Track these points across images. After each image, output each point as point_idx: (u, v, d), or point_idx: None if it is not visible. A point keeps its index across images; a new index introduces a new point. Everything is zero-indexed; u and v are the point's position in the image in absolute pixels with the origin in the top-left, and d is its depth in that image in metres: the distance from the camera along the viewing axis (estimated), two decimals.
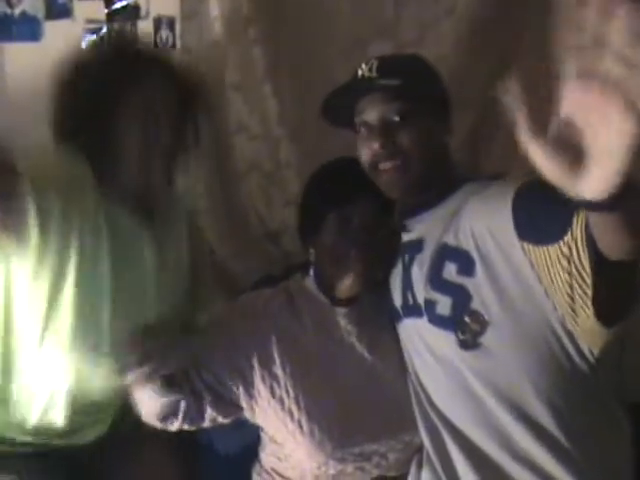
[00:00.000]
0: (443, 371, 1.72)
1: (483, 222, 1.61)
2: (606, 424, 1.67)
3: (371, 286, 1.90)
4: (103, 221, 1.80)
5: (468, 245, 1.63)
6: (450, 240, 1.69)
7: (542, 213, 1.43)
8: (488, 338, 1.63)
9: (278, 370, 1.86)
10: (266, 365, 1.87)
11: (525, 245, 1.51)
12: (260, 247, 3.08)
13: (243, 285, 2.96)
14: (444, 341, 1.70)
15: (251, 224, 3.09)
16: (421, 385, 1.79)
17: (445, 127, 1.83)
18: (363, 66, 1.80)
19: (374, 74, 1.75)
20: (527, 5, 2.66)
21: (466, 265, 1.64)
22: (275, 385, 1.85)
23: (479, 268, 1.61)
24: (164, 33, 3.12)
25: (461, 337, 1.67)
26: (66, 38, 3.15)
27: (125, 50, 1.96)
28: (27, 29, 3.23)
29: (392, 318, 1.91)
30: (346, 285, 1.87)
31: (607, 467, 1.62)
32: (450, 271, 1.68)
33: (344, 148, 1.93)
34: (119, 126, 1.81)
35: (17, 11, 3.23)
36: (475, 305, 1.64)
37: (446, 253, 1.70)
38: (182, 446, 2.22)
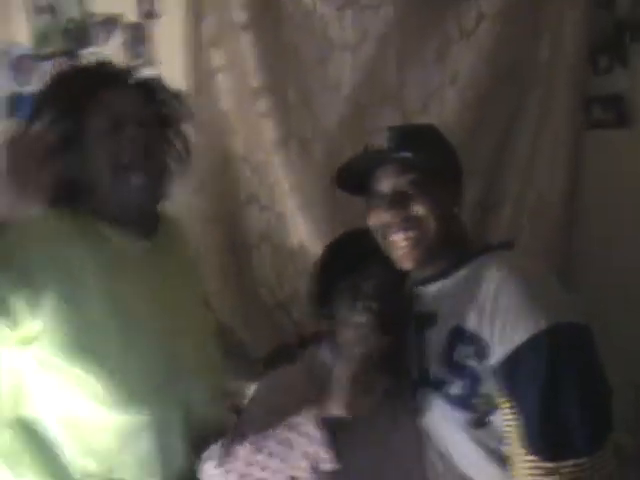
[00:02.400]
0: (457, 443, 1.72)
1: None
2: None
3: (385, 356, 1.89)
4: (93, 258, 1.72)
5: (487, 335, 1.63)
6: (466, 324, 1.69)
7: None
8: (498, 416, 1.64)
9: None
10: None
11: None
12: (271, 317, 3.08)
13: (255, 355, 2.96)
14: (456, 418, 1.70)
15: (262, 294, 3.09)
16: (440, 454, 1.78)
17: (457, 198, 1.84)
18: (377, 137, 1.81)
19: (387, 145, 1.76)
20: (534, 69, 2.72)
21: (481, 350, 1.64)
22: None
23: (493, 357, 1.62)
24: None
25: (471, 416, 1.67)
26: None
27: (88, 66, 1.91)
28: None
29: (410, 387, 1.89)
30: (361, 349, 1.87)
31: None
32: (463, 354, 1.68)
33: (354, 219, 1.95)
34: (88, 142, 1.75)
35: (30, 89, 3.29)
36: (485, 389, 1.64)
37: (460, 336, 1.69)
38: None
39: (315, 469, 1.67)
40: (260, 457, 1.74)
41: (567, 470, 1.52)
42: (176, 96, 1.97)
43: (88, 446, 1.75)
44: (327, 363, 1.93)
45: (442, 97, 2.79)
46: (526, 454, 1.56)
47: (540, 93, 2.75)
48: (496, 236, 2.66)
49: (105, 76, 1.82)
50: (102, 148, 1.73)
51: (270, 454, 1.72)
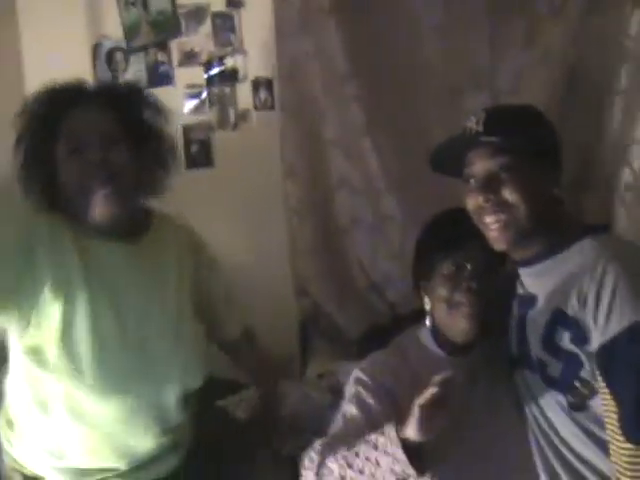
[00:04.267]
0: (558, 425, 1.72)
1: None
2: None
3: (485, 333, 1.90)
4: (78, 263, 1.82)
5: (588, 320, 1.61)
6: (568, 308, 1.67)
7: None
8: (596, 401, 1.63)
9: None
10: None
11: None
12: (365, 299, 3.11)
13: (350, 335, 3.00)
14: (554, 399, 1.71)
15: (355, 277, 3.12)
16: (542, 432, 1.79)
17: (555, 179, 1.79)
18: (472, 118, 1.78)
19: (480, 128, 1.74)
20: (623, 43, 2.68)
21: (582, 335, 1.62)
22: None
23: (593, 342, 1.60)
24: (262, 94, 3.21)
25: (570, 400, 1.67)
26: (168, 104, 3.27)
27: (59, 88, 1.90)
28: None
29: (509, 367, 1.90)
30: (461, 331, 1.88)
31: None
32: (564, 338, 1.67)
33: (444, 199, 1.95)
34: (56, 162, 1.83)
35: (122, 80, 3.36)
36: (585, 374, 1.64)
37: (562, 320, 1.68)
38: None
39: None
40: (351, 473, 1.78)
41: None
42: (154, 105, 1.99)
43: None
44: (425, 345, 1.96)
45: (533, 77, 2.79)
46: (624, 442, 1.55)
47: (630, 68, 2.73)
48: (590, 216, 2.63)
49: (71, 99, 1.88)
50: (66, 170, 1.82)
51: (360, 471, 1.77)
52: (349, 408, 1.90)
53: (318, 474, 1.80)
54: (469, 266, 1.83)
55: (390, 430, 1.70)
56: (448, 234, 1.88)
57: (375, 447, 1.73)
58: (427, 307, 1.94)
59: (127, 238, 1.91)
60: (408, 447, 1.67)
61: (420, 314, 2.00)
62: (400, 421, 1.69)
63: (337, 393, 2.48)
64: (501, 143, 1.70)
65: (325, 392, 2.76)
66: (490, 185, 1.71)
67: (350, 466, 1.77)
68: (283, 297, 3.21)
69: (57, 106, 1.85)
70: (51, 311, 1.77)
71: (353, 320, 3.07)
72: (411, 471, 1.67)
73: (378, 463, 1.72)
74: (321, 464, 1.80)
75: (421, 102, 2.93)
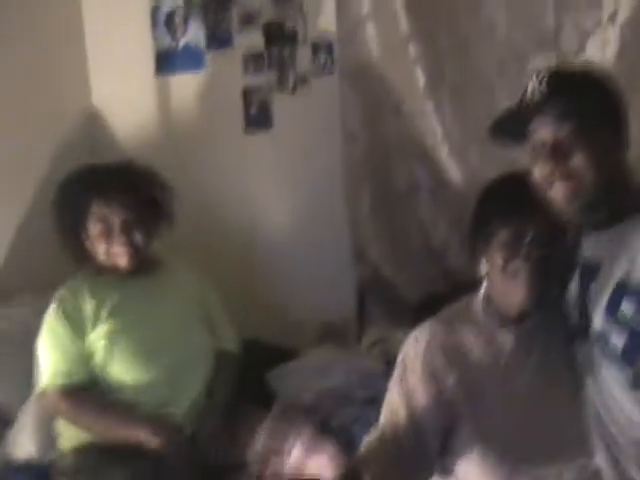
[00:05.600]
0: (615, 399, 1.66)
1: None
2: None
3: (543, 303, 1.86)
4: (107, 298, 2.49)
5: None
6: (634, 278, 1.61)
7: None
8: None
9: (455, 399, 1.85)
10: (441, 399, 1.86)
11: None
12: (423, 265, 3.09)
13: (407, 302, 2.98)
14: (615, 374, 1.65)
15: (414, 242, 3.10)
16: (596, 407, 1.75)
17: (621, 142, 1.73)
18: (534, 81, 1.71)
19: (545, 92, 1.68)
20: None
21: None
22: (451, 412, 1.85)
23: None
24: (322, 57, 3.18)
25: (630, 374, 1.61)
26: (227, 67, 3.27)
27: (84, 175, 2.54)
28: (190, 60, 3.36)
29: (566, 337, 1.85)
30: (517, 301, 1.84)
31: None
32: (628, 309, 1.61)
33: (506, 165, 1.92)
34: (90, 232, 2.48)
35: (181, 43, 3.36)
36: None
37: (627, 290, 1.62)
38: None
39: None
40: None
41: None
42: (155, 177, 2.58)
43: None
44: (475, 315, 1.93)
45: (600, 38, 2.70)
46: None
47: None
48: None
49: (97, 187, 2.48)
50: (97, 243, 2.48)
51: None
52: (393, 396, 1.91)
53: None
54: (529, 233, 1.78)
55: None
56: (509, 200, 1.83)
57: None
58: (483, 274, 1.91)
59: (138, 276, 2.54)
60: None
61: (479, 283, 1.95)
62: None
63: (391, 361, 2.46)
64: (570, 107, 1.64)
65: (379, 360, 2.75)
66: (558, 152, 1.65)
67: None
68: (341, 262, 3.19)
69: (89, 191, 2.47)
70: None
71: (411, 286, 3.05)
72: None
73: None
74: None
75: (484, 65, 2.87)
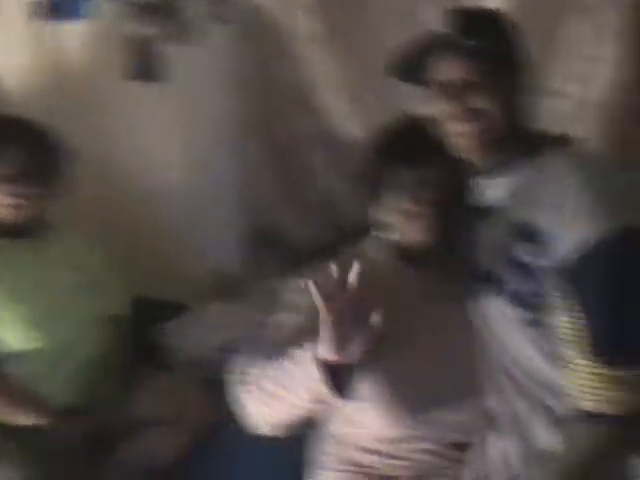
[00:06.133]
0: (513, 341, 1.69)
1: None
2: None
3: (443, 247, 1.87)
4: None
5: (554, 233, 1.56)
6: (531, 221, 1.62)
7: None
8: (556, 318, 1.58)
9: None
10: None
11: None
12: (314, 213, 3.10)
13: (299, 251, 2.98)
14: (512, 315, 1.67)
15: (306, 192, 3.10)
16: (494, 349, 1.77)
17: (522, 85, 1.73)
18: (441, 22, 1.69)
19: (455, 32, 1.66)
20: None
21: (545, 249, 1.57)
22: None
23: (558, 256, 1.55)
24: (216, 6, 3.06)
25: (529, 316, 1.63)
26: (114, 15, 3.16)
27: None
28: (73, 7, 3.22)
29: (466, 279, 1.85)
30: (418, 245, 1.84)
31: None
32: (526, 251, 1.62)
33: (398, 113, 1.92)
34: None
35: None
36: (546, 289, 1.58)
37: (525, 233, 1.63)
38: None
39: (319, 401, 1.67)
40: (266, 383, 1.73)
41: (636, 379, 1.48)
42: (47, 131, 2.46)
43: None
44: (374, 259, 1.92)
45: None
46: (591, 361, 1.51)
47: None
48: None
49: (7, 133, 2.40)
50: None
51: (275, 382, 1.72)
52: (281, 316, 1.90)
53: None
54: (426, 176, 1.78)
55: (309, 345, 1.64)
56: (408, 144, 1.83)
57: (293, 360, 1.68)
58: (383, 220, 1.89)
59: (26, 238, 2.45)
60: (328, 366, 1.60)
61: (373, 230, 1.96)
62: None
63: None
64: (481, 47, 1.63)
65: (268, 309, 2.73)
66: (465, 92, 1.65)
67: (266, 376, 1.73)
68: (232, 213, 3.16)
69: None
70: None
71: (303, 236, 3.06)
72: (325, 391, 1.61)
73: (294, 377, 1.67)
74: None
75: (376, 12, 2.85)
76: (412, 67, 1.74)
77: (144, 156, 3.20)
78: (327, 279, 1.59)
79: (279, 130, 3.07)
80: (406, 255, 1.88)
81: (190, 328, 2.82)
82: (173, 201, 3.20)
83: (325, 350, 1.57)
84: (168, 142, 3.18)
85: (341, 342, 1.56)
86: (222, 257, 3.16)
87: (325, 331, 1.56)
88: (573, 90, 2.74)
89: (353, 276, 1.57)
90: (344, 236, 2.39)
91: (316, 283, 1.56)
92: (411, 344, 1.81)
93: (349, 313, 1.57)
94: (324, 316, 1.55)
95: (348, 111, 2.93)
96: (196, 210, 3.16)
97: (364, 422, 1.86)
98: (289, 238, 3.08)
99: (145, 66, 3.17)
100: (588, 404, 1.51)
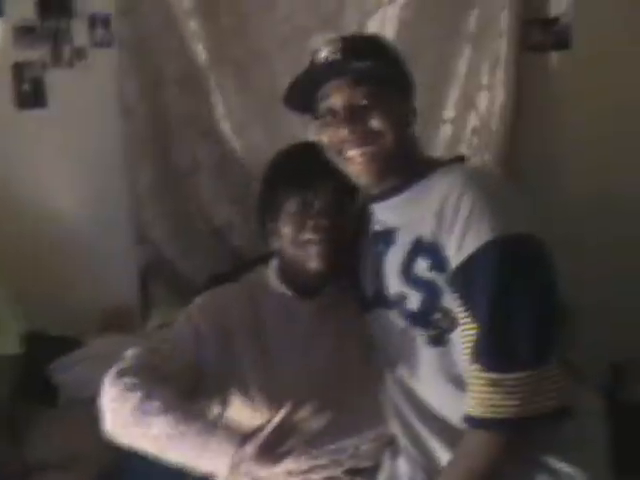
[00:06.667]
0: (412, 362, 1.69)
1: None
2: None
3: (337, 273, 1.87)
4: None
5: (446, 245, 1.58)
6: (426, 236, 1.64)
7: None
8: (457, 334, 1.60)
9: (244, 368, 1.82)
10: (231, 363, 1.82)
11: None
12: (208, 245, 3.06)
13: (192, 283, 2.93)
14: (413, 335, 1.67)
15: (197, 222, 3.06)
16: (393, 373, 1.76)
17: (412, 110, 1.76)
18: (326, 48, 1.69)
19: (339, 57, 1.66)
20: None
21: (440, 261, 1.59)
22: (242, 383, 1.81)
23: (450, 267, 1.57)
24: (100, 31, 3.05)
25: (431, 333, 1.63)
26: None
27: None
28: None
29: (361, 307, 1.85)
30: (310, 272, 1.83)
31: None
32: (423, 266, 1.63)
33: (289, 142, 1.90)
34: None
35: None
36: (445, 303, 1.61)
37: (421, 248, 1.65)
38: None
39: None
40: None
41: (511, 383, 1.50)
42: None
43: None
44: (272, 288, 1.91)
45: (381, 17, 2.78)
46: (474, 364, 1.54)
47: (477, 14, 2.77)
48: (437, 152, 2.68)
49: None
50: None
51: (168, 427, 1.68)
52: (181, 326, 1.85)
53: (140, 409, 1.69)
54: (317, 203, 1.77)
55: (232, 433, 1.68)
56: (294, 170, 1.82)
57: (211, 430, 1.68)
58: (275, 248, 1.88)
59: None
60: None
61: (266, 259, 1.94)
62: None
63: None
64: (369, 70, 1.63)
65: None
66: (355, 116, 1.64)
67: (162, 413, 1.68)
68: (123, 245, 3.09)
69: None
70: None
71: (196, 267, 3.01)
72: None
73: (202, 442, 1.67)
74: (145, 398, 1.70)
75: (265, 43, 2.87)
76: (301, 97, 1.74)
77: (34, 186, 3.12)
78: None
79: (170, 159, 3.03)
80: (301, 281, 1.88)
81: (80, 364, 2.71)
82: (66, 231, 3.12)
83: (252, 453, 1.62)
84: (57, 169, 3.11)
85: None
86: (117, 291, 3.09)
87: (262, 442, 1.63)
88: (459, 116, 2.83)
89: None
90: (238, 268, 2.37)
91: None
92: (308, 373, 1.79)
93: None
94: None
95: (239, 141, 2.92)
96: (89, 241, 3.10)
97: None
98: (182, 270, 3.03)
99: (30, 92, 3.10)
100: (476, 410, 1.52)
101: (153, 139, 3.00)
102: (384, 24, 2.75)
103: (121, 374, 1.74)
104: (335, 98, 1.66)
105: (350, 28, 2.76)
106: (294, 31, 2.82)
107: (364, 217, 1.83)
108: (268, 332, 1.82)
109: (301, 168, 1.80)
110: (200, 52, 2.88)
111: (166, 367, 1.76)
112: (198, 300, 1.88)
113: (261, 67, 2.85)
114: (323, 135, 1.71)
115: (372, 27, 2.77)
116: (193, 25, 2.86)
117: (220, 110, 2.91)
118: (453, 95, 2.81)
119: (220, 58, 2.87)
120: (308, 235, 1.77)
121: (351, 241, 1.84)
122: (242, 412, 1.78)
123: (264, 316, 1.84)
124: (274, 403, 1.74)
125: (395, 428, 1.74)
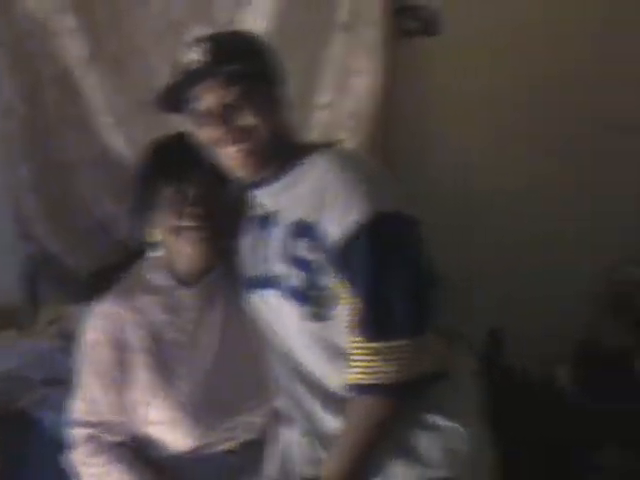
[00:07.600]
0: (296, 338, 1.77)
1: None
2: None
3: (218, 259, 1.92)
4: None
5: (323, 225, 1.66)
6: (304, 217, 1.71)
7: None
8: (339, 310, 1.69)
9: (140, 371, 1.88)
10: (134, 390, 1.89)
11: None
12: (91, 238, 3.06)
13: (79, 277, 2.94)
14: (296, 313, 1.74)
15: (81, 216, 3.07)
16: (279, 349, 1.83)
17: (282, 99, 1.82)
18: (194, 50, 1.74)
19: (208, 59, 1.71)
20: None
21: (318, 241, 1.67)
22: (136, 378, 1.88)
23: (329, 245, 1.65)
24: None
25: (313, 310, 1.71)
26: None
27: None
28: None
29: (245, 289, 1.91)
30: (189, 260, 1.89)
31: None
32: (302, 248, 1.70)
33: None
34: None
35: None
36: (325, 281, 1.68)
37: (300, 230, 1.72)
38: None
39: None
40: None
41: (389, 350, 1.60)
42: None
43: None
44: (151, 281, 1.95)
45: (254, 8, 2.83)
46: (357, 336, 1.63)
47: (348, 2, 2.85)
48: (314, 136, 2.76)
49: None
50: None
51: None
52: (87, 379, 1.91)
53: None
54: (191, 191, 1.82)
55: None
56: (168, 160, 1.87)
57: None
58: (155, 239, 1.91)
59: None
60: None
61: (148, 250, 2.00)
62: None
63: (68, 337, 2.42)
64: (234, 71, 1.69)
65: (55, 338, 2.71)
66: (228, 116, 1.71)
67: None
68: (6, 242, 3.05)
69: None
70: None
71: (81, 261, 3.01)
72: None
73: None
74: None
75: (142, 38, 2.89)
76: (173, 98, 1.79)
77: None
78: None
79: (50, 155, 3.02)
80: (183, 270, 1.92)
81: None
82: None
83: None
84: None
85: None
86: (2, 289, 3.06)
87: None
88: (335, 101, 2.93)
89: None
90: (123, 260, 2.38)
91: None
92: (196, 359, 1.87)
93: None
94: None
95: (120, 135, 2.94)
96: None
97: (164, 441, 1.91)
98: (68, 265, 3.02)
99: None
100: (360, 378, 1.62)
101: (33, 135, 2.98)
102: (256, 13, 2.80)
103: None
104: (207, 99, 1.72)
105: (223, 20, 2.81)
106: (168, 24, 2.85)
107: (245, 201, 1.90)
108: (155, 328, 1.90)
109: (174, 158, 1.85)
110: (77, 47, 2.87)
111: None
112: (89, 335, 1.92)
113: (137, 61, 2.88)
114: (198, 133, 1.77)
115: (246, 17, 2.82)
116: (69, 20, 2.85)
117: (100, 106, 2.92)
118: (329, 81, 2.89)
119: (97, 52, 2.87)
120: (185, 223, 1.82)
121: (234, 225, 1.90)
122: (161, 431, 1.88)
123: (152, 317, 1.91)
124: (178, 414, 1.85)
125: (285, 401, 1.85)
